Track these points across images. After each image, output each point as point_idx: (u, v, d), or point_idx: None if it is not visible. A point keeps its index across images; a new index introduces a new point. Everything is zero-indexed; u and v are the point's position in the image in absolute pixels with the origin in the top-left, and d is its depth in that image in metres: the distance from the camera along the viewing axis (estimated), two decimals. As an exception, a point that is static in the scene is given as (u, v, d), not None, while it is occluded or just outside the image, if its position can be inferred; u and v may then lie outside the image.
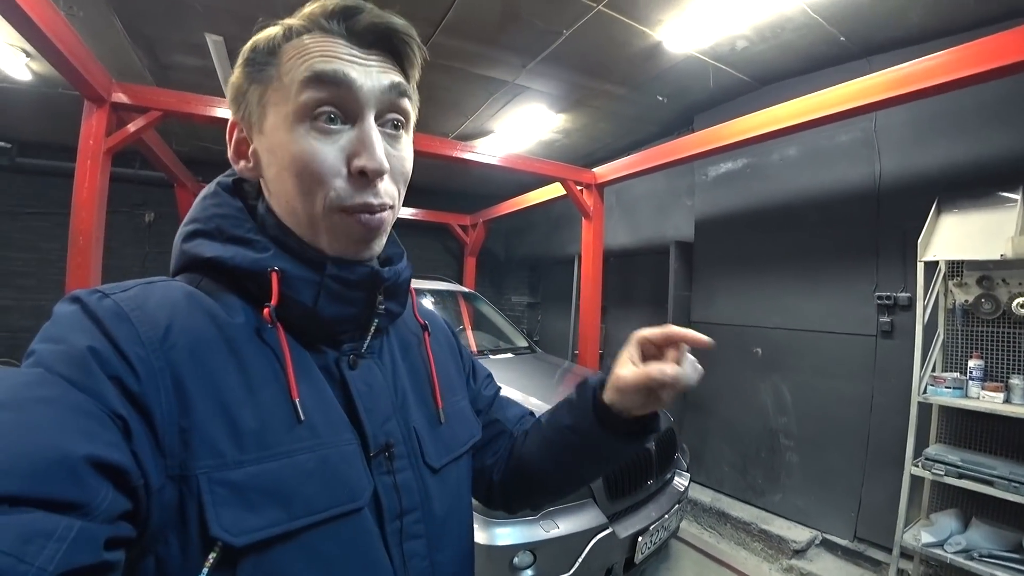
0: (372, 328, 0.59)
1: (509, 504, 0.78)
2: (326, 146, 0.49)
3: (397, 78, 0.53)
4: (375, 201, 0.51)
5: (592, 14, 2.76)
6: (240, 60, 0.53)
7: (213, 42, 3.10)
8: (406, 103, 0.54)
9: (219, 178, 0.58)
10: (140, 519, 0.39)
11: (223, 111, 3.07)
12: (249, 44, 0.53)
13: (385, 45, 0.53)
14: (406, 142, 0.56)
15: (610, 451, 0.66)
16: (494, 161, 3.95)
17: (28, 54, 3.26)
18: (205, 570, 0.41)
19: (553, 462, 0.71)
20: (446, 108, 4.16)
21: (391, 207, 0.54)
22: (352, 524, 0.49)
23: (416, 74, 0.57)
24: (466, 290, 4.43)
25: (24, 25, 2.07)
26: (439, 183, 6.22)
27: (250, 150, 0.55)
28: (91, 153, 2.79)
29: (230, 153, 0.57)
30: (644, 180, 4.29)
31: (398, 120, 0.54)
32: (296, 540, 0.45)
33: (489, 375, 0.84)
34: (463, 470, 0.67)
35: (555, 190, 4.52)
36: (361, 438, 0.53)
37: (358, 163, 0.49)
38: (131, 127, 2.93)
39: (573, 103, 4.05)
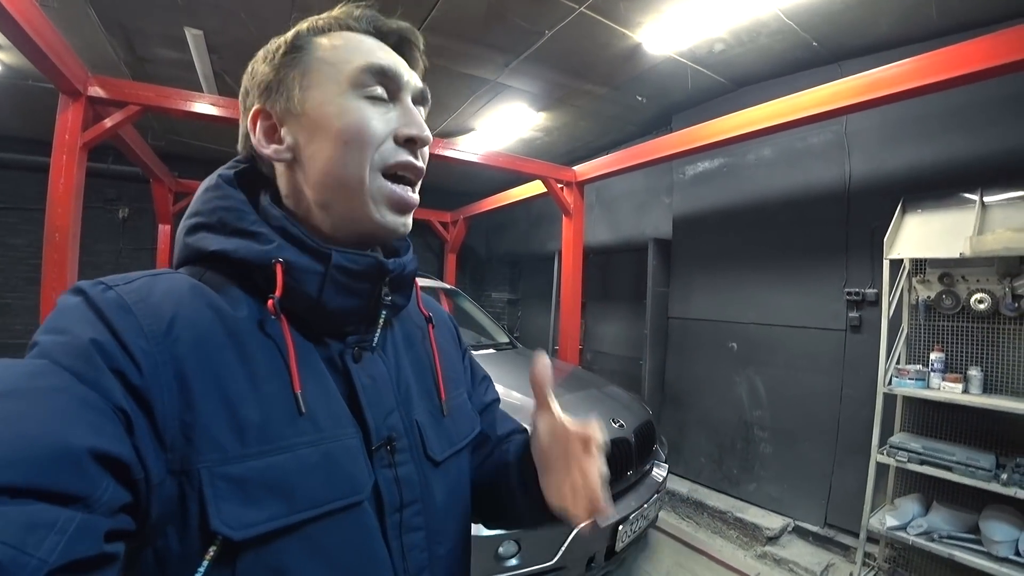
0: (380, 321, 0.60)
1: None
2: (376, 115, 0.55)
3: (416, 72, 0.61)
4: (418, 163, 0.58)
5: (574, 15, 2.80)
6: (270, 56, 0.57)
7: (192, 36, 3.06)
8: (427, 92, 0.62)
9: (220, 170, 0.58)
10: (140, 512, 0.40)
11: (203, 106, 3.03)
12: (281, 41, 0.57)
13: (405, 46, 0.60)
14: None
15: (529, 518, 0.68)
16: (475, 159, 3.96)
17: (-2, 45, 3.16)
18: (205, 563, 0.42)
19: (493, 494, 0.71)
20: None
21: (420, 181, 0.60)
22: (353, 517, 0.50)
23: (420, 74, 0.63)
24: (447, 286, 4.44)
25: (-4, 15, 2.01)
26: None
27: (282, 133, 0.56)
28: (67, 148, 2.71)
29: (256, 140, 0.57)
30: (623, 178, 4.36)
31: (421, 107, 0.61)
32: (297, 533, 0.45)
33: (486, 378, 0.82)
34: (463, 463, 0.67)
35: (536, 187, 4.56)
36: (363, 431, 0.54)
37: (407, 131, 0.56)
38: (108, 122, 2.86)
39: (554, 102, 4.10)
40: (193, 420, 0.43)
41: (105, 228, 5.25)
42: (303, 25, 0.57)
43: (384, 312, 0.60)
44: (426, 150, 0.60)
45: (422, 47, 0.62)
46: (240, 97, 0.60)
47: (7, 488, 0.31)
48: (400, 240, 0.65)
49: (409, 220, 0.59)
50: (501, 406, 0.82)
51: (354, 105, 0.54)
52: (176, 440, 0.42)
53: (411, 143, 0.57)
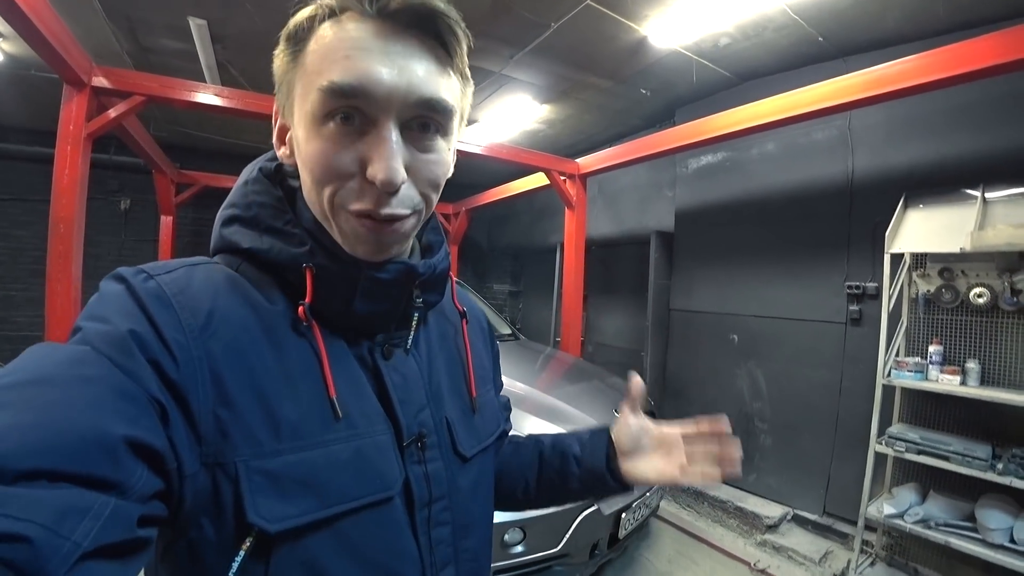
0: (413, 322, 0.59)
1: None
2: (341, 148, 0.46)
3: (433, 66, 0.47)
4: (383, 212, 0.47)
5: (581, 8, 2.80)
6: (281, 44, 0.49)
7: (196, 25, 3.04)
8: (440, 98, 0.48)
9: (261, 162, 0.57)
10: (173, 501, 0.41)
11: (206, 97, 3.02)
12: (289, 25, 0.48)
13: (426, 27, 0.46)
14: (440, 145, 0.50)
15: (607, 490, 0.76)
16: (478, 150, 3.95)
17: (1, 34, 3.14)
18: (241, 554, 0.43)
19: (544, 481, 0.79)
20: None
21: (412, 215, 0.50)
22: (383, 512, 0.50)
23: (461, 62, 0.50)
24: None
25: (2, 3, 1.99)
26: (422, 171, 6.16)
27: (288, 136, 0.53)
28: (71, 138, 2.70)
29: (274, 138, 0.55)
30: (626, 171, 4.38)
31: (427, 120, 0.48)
32: (329, 528, 0.46)
33: (502, 384, 0.84)
34: (489, 460, 0.68)
35: (538, 180, 4.54)
36: (394, 428, 0.54)
37: (370, 172, 0.45)
38: (112, 112, 2.85)
39: (558, 95, 4.10)
40: (228, 414, 0.43)
41: (107, 220, 5.21)
42: (305, 11, 0.47)
43: (416, 314, 0.59)
44: (441, 170, 0.51)
45: (452, 22, 0.47)
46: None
47: (45, 472, 0.32)
48: (435, 234, 0.64)
49: (396, 249, 0.53)
50: (504, 395, 0.85)
51: (317, 132, 0.46)
52: (210, 433, 0.43)
53: (372, 186, 0.46)
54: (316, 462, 0.46)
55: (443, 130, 0.50)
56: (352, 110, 0.45)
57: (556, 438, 0.81)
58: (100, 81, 2.75)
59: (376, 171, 0.45)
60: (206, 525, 0.42)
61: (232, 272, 0.51)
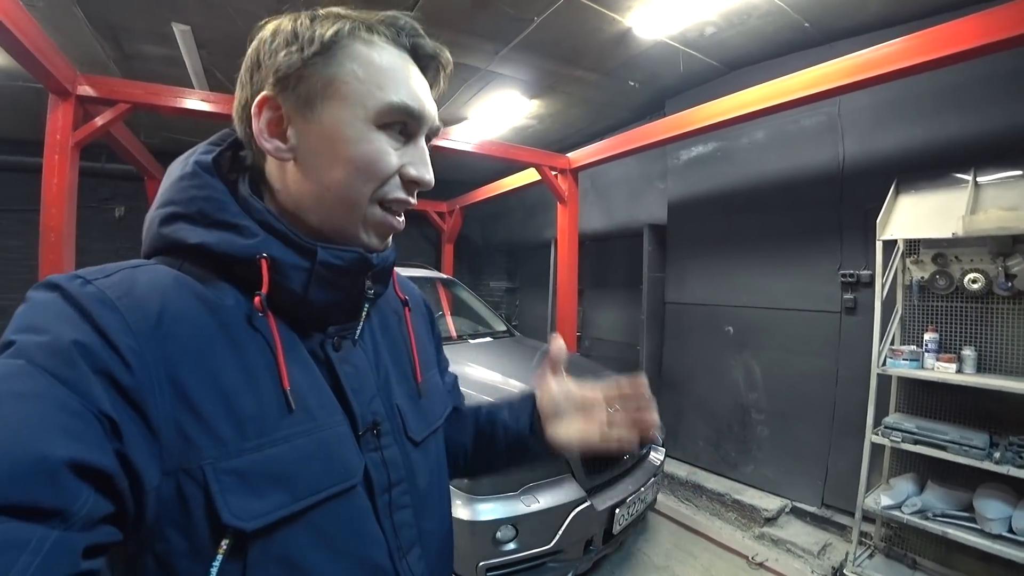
0: (364, 313, 0.61)
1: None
2: (392, 152, 0.54)
3: (433, 99, 0.60)
4: (413, 201, 0.58)
5: (562, 1, 2.78)
6: (299, 45, 0.52)
7: (180, 32, 3.04)
8: (440, 125, 0.62)
9: (195, 156, 0.55)
10: (128, 520, 0.39)
11: (193, 102, 3.03)
12: (316, 33, 0.52)
13: (430, 70, 0.60)
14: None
15: (532, 455, 0.78)
16: (469, 148, 3.96)
17: (-15, 46, 3.15)
18: (219, 558, 0.42)
19: (478, 448, 0.82)
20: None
21: None
22: (349, 501, 0.52)
23: (436, 96, 0.63)
24: (444, 276, 4.46)
25: (-18, 17, 2.01)
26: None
27: (288, 131, 0.53)
28: (58, 147, 2.72)
29: (258, 128, 0.53)
30: (618, 164, 4.34)
31: (430, 137, 0.61)
32: (300, 520, 0.47)
33: (445, 358, 0.87)
34: (440, 441, 0.71)
35: (530, 175, 4.54)
36: (350, 418, 0.55)
37: (414, 173, 0.56)
38: (98, 120, 2.87)
39: (546, 89, 4.07)
40: (189, 418, 0.42)
41: (101, 227, 5.23)
42: (343, 26, 0.53)
43: (367, 304, 0.61)
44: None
45: (449, 71, 0.62)
46: (245, 69, 0.55)
47: None
48: None
49: (389, 239, 0.61)
50: (500, 394, 0.88)
51: (375, 136, 0.53)
52: (171, 440, 0.41)
53: (414, 184, 0.57)
54: (283, 456, 0.47)
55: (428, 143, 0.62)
56: (403, 124, 0.55)
57: (490, 406, 0.84)
58: (85, 90, 2.77)
59: (423, 173, 0.57)
60: (173, 536, 0.41)
61: (176, 272, 0.49)
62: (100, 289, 0.43)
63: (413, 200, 0.58)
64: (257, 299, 0.50)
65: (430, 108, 0.58)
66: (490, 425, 0.80)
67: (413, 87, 0.55)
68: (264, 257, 0.50)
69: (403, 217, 0.59)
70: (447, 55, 0.60)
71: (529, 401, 0.77)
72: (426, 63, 0.59)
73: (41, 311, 0.41)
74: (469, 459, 0.82)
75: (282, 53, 0.52)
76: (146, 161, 4.25)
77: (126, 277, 0.46)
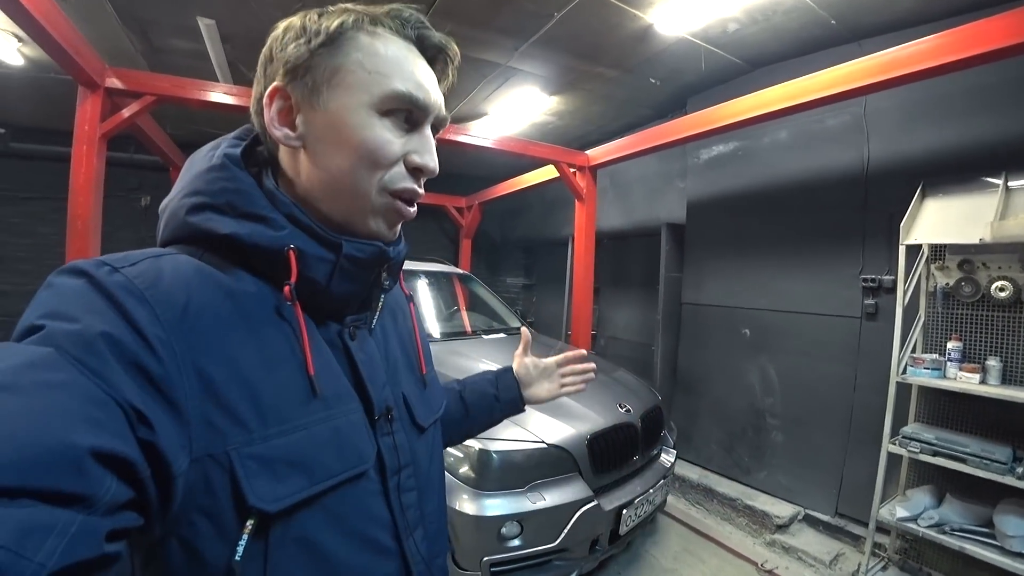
0: (380, 303, 0.66)
1: None
2: (395, 139, 0.56)
3: (441, 91, 0.61)
4: (420, 190, 0.59)
5: (581, -4, 2.75)
6: (306, 38, 0.54)
7: (205, 25, 3.09)
8: (447, 115, 0.63)
9: (222, 149, 0.56)
10: (150, 507, 0.40)
11: (217, 95, 3.08)
12: (323, 25, 0.54)
13: (438, 63, 0.61)
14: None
15: (513, 414, 1.03)
16: (488, 144, 3.95)
17: (19, 39, 3.25)
18: (245, 537, 0.44)
19: (470, 418, 0.99)
20: (440, 90, 4.16)
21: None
22: (361, 484, 0.55)
23: (445, 89, 0.64)
24: (461, 271, 4.47)
25: (15, 10, 2.07)
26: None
27: (297, 119, 0.55)
28: (86, 138, 2.81)
29: (269, 119, 0.55)
30: (637, 162, 4.30)
31: (437, 127, 0.62)
32: (316, 504, 0.49)
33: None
34: (439, 429, 0.76)
35: (549, 172, 4.52)
36: (365, 403, 0.58)
37: (418, 160, 0.57)
38: (125, 112, 2.94)
39: (566, 85, 4.05)
40: (215, 406, 0.44)
41: (127, 217, 5.38)
42: (348, 18, 0.55)
43: (382, 295, 0.66)
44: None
45: (457, 63, 0.63)
46: (260, 65, 0.58)
47: (5, 489, 0.30)
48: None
49: (398, 228, 0.63)
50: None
51: (378, 123, 0.55)
52: (199, 427, 0.43)
53: (418, 171, 0.58)
54: (301, 443, 0.49)
55: (435, 134, 0.62)
56: (408, 112, 0.56)
57: (469, 383, 1.02)
58: (113, 82, 2.84)
59: (427, 161, 0.58)
60: (198, 520, 0.43)
61: (198, 262, 0.50)
62: (128, 279, 0.44)
63: (421, 190, 0.59)
64: (287, 288, 0.52)
65: (435, 97, 0.58)
66: (481, 398, 0.99)
67: (417, 76, 0.56)
68: (292, 249, 0.52)
69: (414, 208, 0.60)
70: (454, 47, 0.61)
71: (510, 374, 1.03)
72: (433, 55, 0.60)
73: (70, 298, 0.42)
74: (463, 428, 0.98)
75: (291, 46, 0.54)
76: (171, 152, 4.35)
77: (151, 267, 0.47)
